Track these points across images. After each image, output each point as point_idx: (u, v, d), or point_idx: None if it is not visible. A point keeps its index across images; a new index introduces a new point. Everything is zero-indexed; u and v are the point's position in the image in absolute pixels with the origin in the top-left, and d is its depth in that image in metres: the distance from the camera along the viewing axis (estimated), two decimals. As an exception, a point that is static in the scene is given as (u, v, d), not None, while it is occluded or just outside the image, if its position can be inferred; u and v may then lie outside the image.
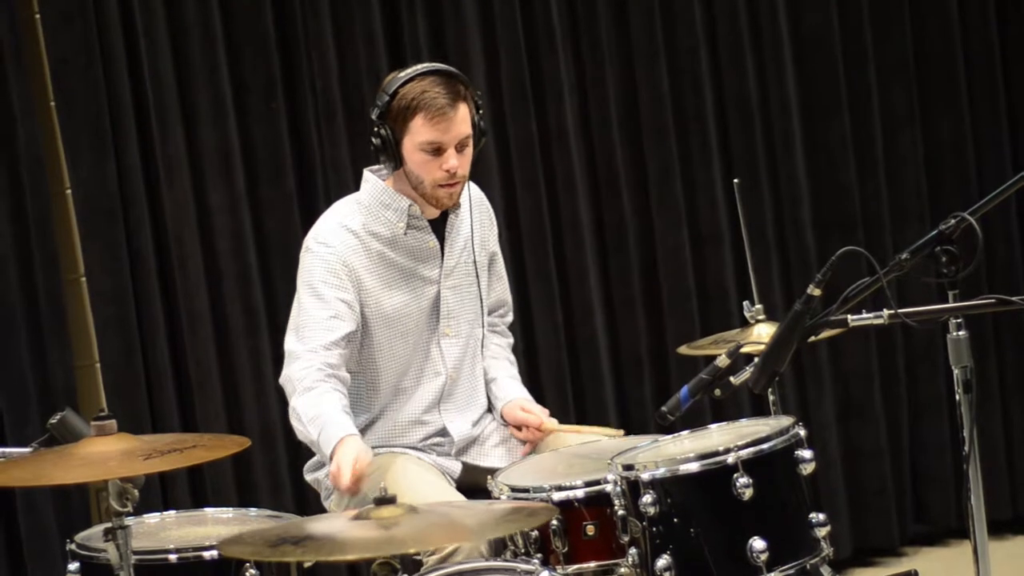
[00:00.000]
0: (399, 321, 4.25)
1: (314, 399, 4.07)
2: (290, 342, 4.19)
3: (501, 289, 4.51)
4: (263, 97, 5.37)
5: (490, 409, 4.45)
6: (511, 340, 4.59)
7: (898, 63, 6.11)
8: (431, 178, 4.18)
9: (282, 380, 4.21)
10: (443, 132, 4.13)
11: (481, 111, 4.24)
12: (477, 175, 4.43)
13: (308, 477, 4.38)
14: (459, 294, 4.33)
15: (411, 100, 4.12)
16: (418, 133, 4.13)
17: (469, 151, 4.20)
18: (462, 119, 4.15)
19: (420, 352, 4.30)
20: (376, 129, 4.19)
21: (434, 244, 4.27)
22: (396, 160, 4.18)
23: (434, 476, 4.21)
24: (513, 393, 4.43)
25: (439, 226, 4.30)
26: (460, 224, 4.33)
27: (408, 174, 4.21)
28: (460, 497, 4.08)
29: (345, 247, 4.20)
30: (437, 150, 4.14)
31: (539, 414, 4.35)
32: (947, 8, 6.13)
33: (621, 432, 4.36)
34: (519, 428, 4.38)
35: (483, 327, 4.41)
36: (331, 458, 3.98)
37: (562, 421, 4.49)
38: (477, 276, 4.36)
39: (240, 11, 5.34)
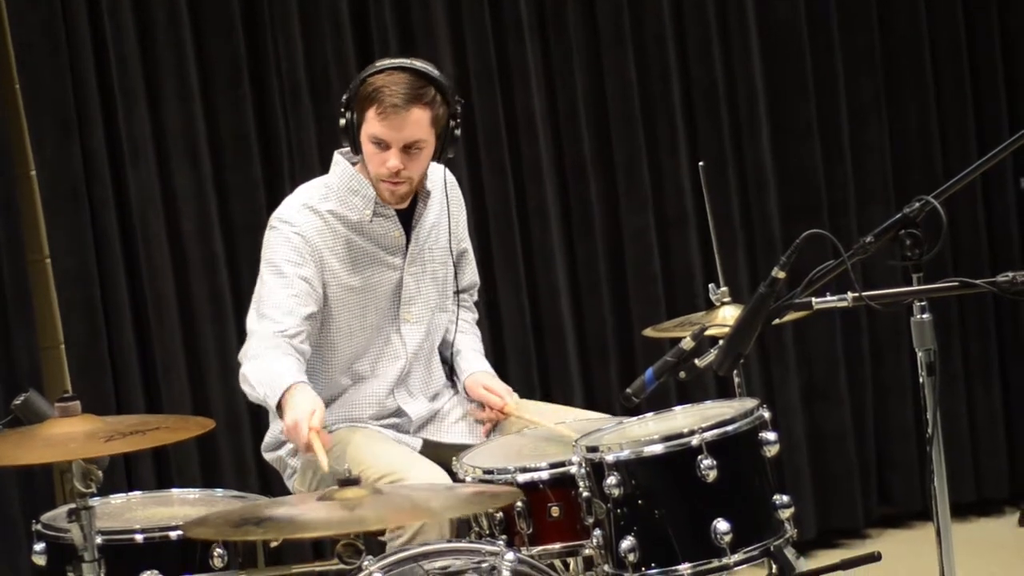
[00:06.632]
0: (359, 304, 4.25)
1: (263, 363, 4.04)
2: (251, 320, 4.18)
3: (471, 271, 4.54)
4: (229, 80, 5.36)
5: (453, 384, 4.46)
6: (476, 315, 4.63)
7: (865, 50, 6.12)
8: (375, 171, 4.19)
9: (240, 355, 4.17)
10: (389, 129, 4.12)
11: (456, 119, 4.20)
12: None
13: (268, 456, 4.38)
14: (421, 280, 4.32)
15: (371, 91, 4.12)
16: (369, 125, 4.14)
17: (422, 154, 4.17)
18: (414, 122, 4.12)
19: (380, 337, 4.30)
20: (343, 111, 4.19)
21: (399, 234, 4.27)
22: (356, 146, 4.20)
23: (395, 446, 4.21)
24: (476, 366, 4.44)
25: (407, 215, 4.30)
26: (428, 211, 4.33)
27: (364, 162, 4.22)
28: (423, 460, 4.08)
29: (309, 226, 4.19)
30: (383, 145, 4.14)
31: (503, 394, 4.35)
32: (913, -4, 6.16)
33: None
34: (481, 405, 4.39)
35: (456, 307, 4.43)
36: (279, 407, 3.92)
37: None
38: (453, 262, 4.37)
39: (206, -7, 5.35)
